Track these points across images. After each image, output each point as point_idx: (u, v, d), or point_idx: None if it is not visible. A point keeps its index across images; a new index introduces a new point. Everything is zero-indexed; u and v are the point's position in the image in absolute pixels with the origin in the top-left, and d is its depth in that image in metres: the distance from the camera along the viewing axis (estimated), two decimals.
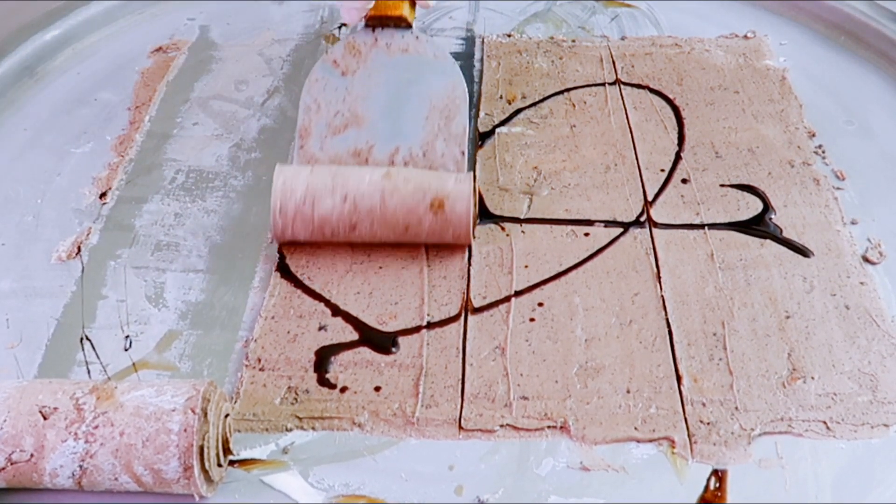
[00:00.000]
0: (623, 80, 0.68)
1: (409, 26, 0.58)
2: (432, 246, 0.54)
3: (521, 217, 0.57)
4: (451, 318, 0.50)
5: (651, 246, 0.54)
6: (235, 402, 0.46)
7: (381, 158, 0.55)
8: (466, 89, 0.57)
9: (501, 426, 0.45)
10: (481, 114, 0.65)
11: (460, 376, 0.47)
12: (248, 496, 0.42)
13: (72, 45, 0.73)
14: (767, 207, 0.57)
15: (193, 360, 0.49)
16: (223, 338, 0.50)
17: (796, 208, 0.56)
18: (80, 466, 0.40)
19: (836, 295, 0.51)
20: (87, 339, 0.50)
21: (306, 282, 0.52)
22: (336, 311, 0.51)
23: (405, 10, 0.58)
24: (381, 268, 0.53)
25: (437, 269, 0.53)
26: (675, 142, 0.62)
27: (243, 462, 0.44)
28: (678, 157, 0.61)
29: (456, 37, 0.74)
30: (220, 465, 0.42)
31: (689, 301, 0.51)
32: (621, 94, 0.67)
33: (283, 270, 0.53)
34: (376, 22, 0.58)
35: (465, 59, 0.71)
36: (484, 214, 0.57)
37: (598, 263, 0.53)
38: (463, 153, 0.55)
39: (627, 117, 0.65)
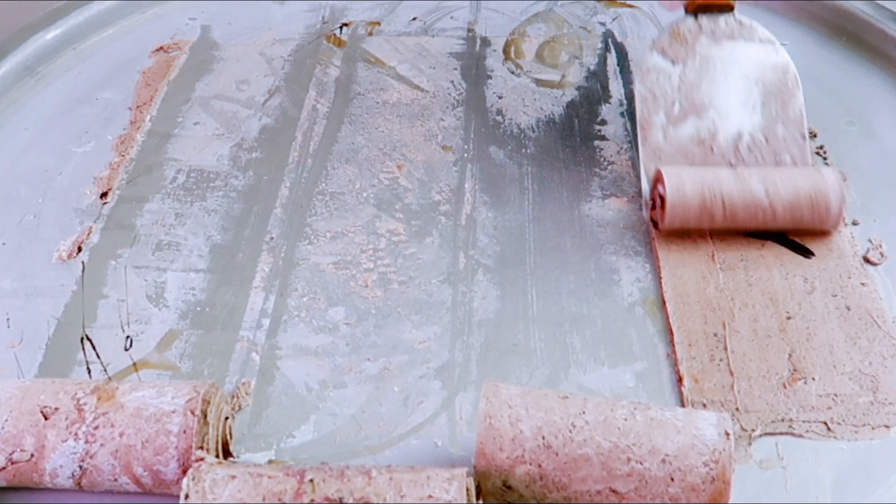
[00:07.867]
0: None
1: (731, 10, 0.58)
2: None
3: None
4: None
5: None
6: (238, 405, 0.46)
7: (725, 146, 0.56)
8: (796, 72, 0.57)
9: None
10: None
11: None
12: None
13: (73, 45, 0.73)
14: None
15: (194, 360, 0.49)
16: (224, 338, 0.50)
17: None
18: (80, 467, 0.40)
19: (837, 296, 0.51)
20: (88, 338, 0.50)
21: None
22: None
23: None
24: None
25: None
26: None
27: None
28: None
29: (457, 36, 0.74)
30: None
31: (689, 301, 0.51)
32: None
33: None
34: (700, 9, 0.58)
35: (467, 58, 0.71)
36: None
37: None
38: (804, 136, 0.56)
39: None
